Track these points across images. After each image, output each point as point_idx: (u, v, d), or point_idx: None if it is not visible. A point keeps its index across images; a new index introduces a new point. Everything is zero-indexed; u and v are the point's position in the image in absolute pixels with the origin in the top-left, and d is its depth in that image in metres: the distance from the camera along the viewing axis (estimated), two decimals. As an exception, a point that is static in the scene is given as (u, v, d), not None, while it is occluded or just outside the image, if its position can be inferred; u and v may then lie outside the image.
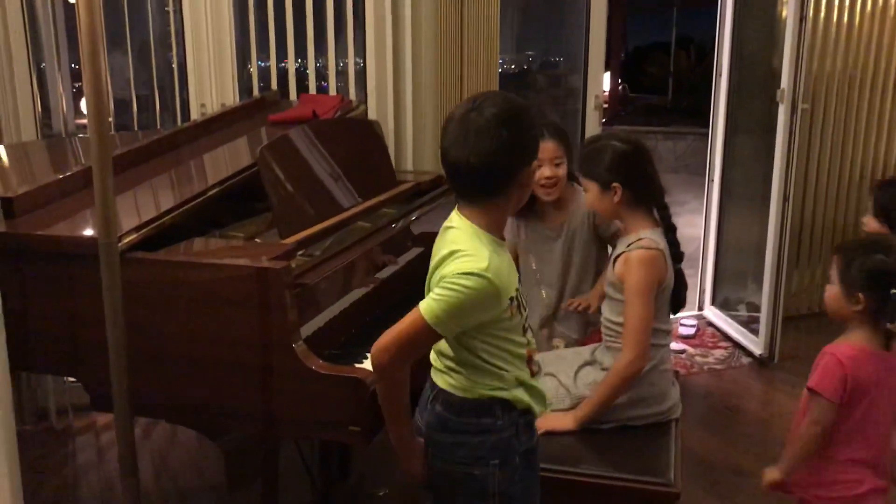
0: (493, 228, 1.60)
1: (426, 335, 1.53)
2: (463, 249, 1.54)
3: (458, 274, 1.50)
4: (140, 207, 2.13)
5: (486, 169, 1.53)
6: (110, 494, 2.83)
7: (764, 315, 3.99)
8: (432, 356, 1.71)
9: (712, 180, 4.62)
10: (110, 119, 3.80)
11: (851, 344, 1.96)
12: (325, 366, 1.80)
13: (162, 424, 3.34)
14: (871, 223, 2.67)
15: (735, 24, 4.43)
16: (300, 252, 2.08)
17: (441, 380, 1.67)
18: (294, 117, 2.80)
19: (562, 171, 2.54)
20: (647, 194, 2.15)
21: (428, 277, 1.61)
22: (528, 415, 1.68)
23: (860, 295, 1.93)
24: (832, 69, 4.42)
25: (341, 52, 3.85)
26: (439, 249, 1.60)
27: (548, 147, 2.48)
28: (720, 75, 4.48)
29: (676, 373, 2.57)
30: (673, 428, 2.22)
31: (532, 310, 2.59)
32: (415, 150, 3.74)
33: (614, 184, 2.11)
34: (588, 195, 2.19)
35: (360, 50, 3.78)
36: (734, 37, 4.44)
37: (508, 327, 1.61)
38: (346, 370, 1.81)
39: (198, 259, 1.94)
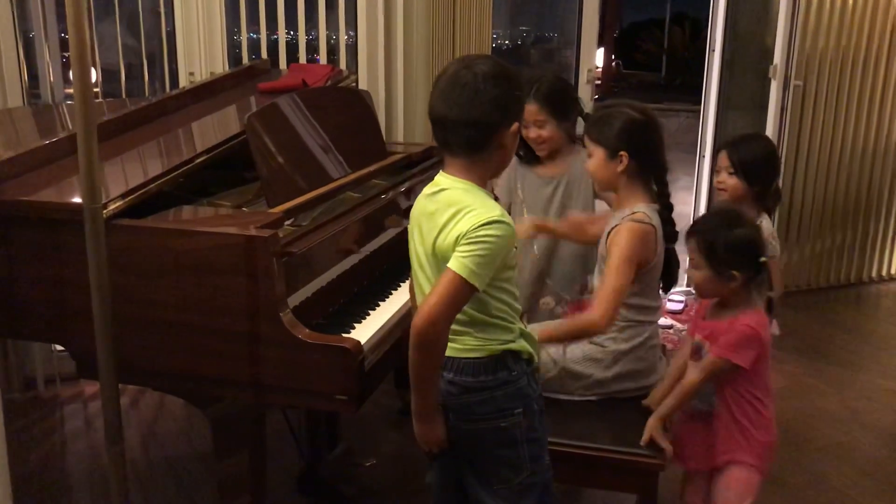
0: (481, 184, 1.64)
1: (465, 293, 1.56)
2: (468, 204, 1.58)
3: (480, 226, 1.54)
4: (127, 174, 2.11)
5: (466, 121, 1.57)
6: (97, 463, 2.84)
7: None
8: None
9: (703, 157, 4.61)
10: (97, 89, 3.78)
11: (756, 311, 1.99)
12: (311, 335, 1.80)
13: (150, 394, 3.35)
14: (728, 181, 2.64)
15: (729, 0, 4.41)
16: (288, 221, 2.07)
17: (449, 349, 1.68)
18: (284, 86, 2.77)
19: (546, 132, 2.54)
20: (651, 169, 2.14)
21: (430, 243, 1.63)
22: (532, 362, 1.74)
23: (733, 272, 1.94)
24: (825, 46, 4.41)
25: (332, 24, 3.82)
26: (436, 212, 1.62)
27: (529, 109, 2.47)
28: (713, 52, 4.46)
29: (664, 347, 2.59)
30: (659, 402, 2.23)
31: (522, 267, 2.60)
32: (405, 122, 3.72)
33: (622, 152, 2.09)
34: (591, 160, 2.16)
35: (352, 23, 3.75)
36: (728, 13, 4.41)
37: (510, 277, 1.67)
38: (333, 339, 1.81)
39: (185, 226, 1.93)
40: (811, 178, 4.62)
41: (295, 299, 1.96)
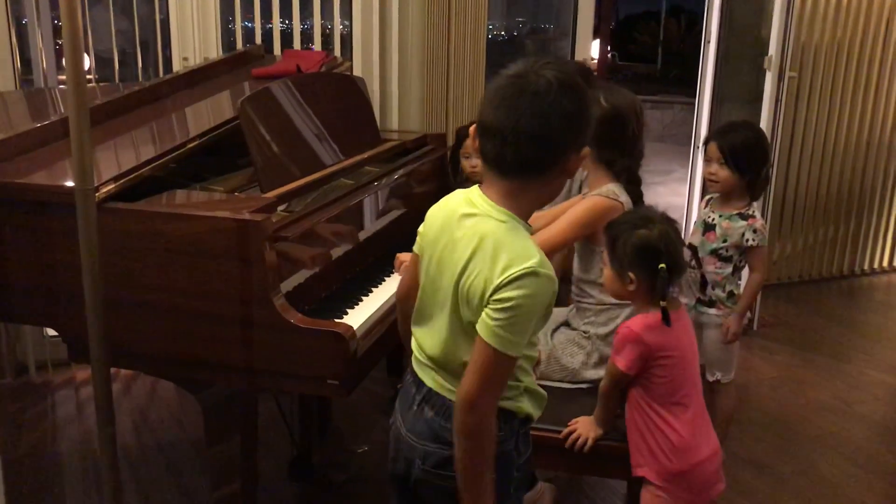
0: (524, 216, 1.39)
1: (505, 365, 1.35)
2: (502, 244, 1.34)
3: (514, 279, 1.30)
4: (119, 158, 2.10)
5: (535, 136, 1.31)
6: (89, 448, 2.83)
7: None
8: (415, 346, 1.55)
9: (697, 148, 4.61)
10: (91, 75, 3.76)
11: (645, 315, 1.88)
12: (304, 319, 1.80)
13: (141, 380, 3.35)
14: (720, 172, 2.65)
15: (725, -9, 4.40)
16: (281, 206, 2.07)
17: (432, 380, 1.49)
18: (278, 71, 2.76)
19: None
20: (615, 156, 2.13)
21: (453, 275, 1.39)
22: (527, 423, 1.53)
23: (630, 274, 1.85)
24: (820, 39, 4.42)
25: (327, 13, 3.80)
26: (461, 239, 1.38)
27: None
28: (708, 44, 4.45)
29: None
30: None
31: None
32: (400, 109, 3.71)
33: None
34: None
35: (347, 12, 3.74)
36: (723, 5, 4.40)
37: (538, 328, 1.44)
38: (324, 324, 1.81)
39: (178, 210, 1.92)
40: (805, 170, 4.63)
41: (288, 284, 1.95)
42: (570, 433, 2.00)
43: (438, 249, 1.44)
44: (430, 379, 1.50)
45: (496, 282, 1.32)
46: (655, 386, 1.86)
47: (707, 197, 2.82)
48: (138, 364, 2.10)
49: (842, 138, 4.68)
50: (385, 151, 2.68)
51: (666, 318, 1.81)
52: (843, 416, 3.25)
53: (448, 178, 3.01)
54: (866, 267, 5.03)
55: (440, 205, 1.49)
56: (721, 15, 4.38)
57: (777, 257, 4.66)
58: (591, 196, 2.10)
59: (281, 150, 2.21)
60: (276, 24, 3.72)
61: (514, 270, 1.31)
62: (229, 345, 1.87)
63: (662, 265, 1.79)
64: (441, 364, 1.48)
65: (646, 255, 1.82)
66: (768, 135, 3.79)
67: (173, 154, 2.11)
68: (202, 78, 2.79)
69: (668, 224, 1.85)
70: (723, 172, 2.64)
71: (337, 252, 2.22)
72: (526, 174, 1.36)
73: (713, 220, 2.69)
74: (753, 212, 2.68)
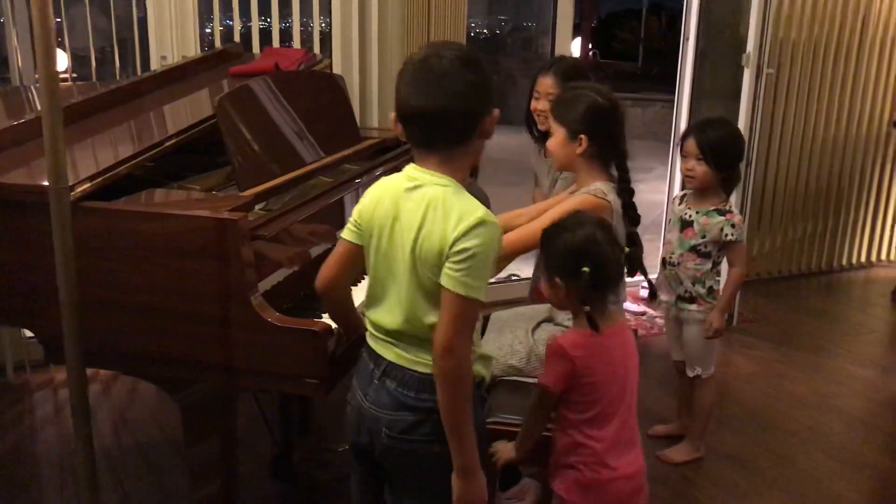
0: (459, 180, 1.53)
1: (472, 310, 1.47)
2: (449, 205, 1.47)
3: (467, 232, 1.44)
4: (96, 157, 2.09)
5: (452, 111, 1.46)
6: (67, 449, 2.81)
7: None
8: (371, 325, 1.64)
9: (677, 145, 4.63)
10: (67, 74, 3.73)
11: (574, 330, 1.85)
12: (281, 318, 1.79)
13: (121, 381, 3.33)
14: (698, 168, 2.67)
15: (703, -11, 4.43)
16: (259, 205, 2.06)
17: (392, 353, 1.59)
18: (256, 69, 2.75)
19: None
20: (610, 154, 2.15)
21: (408, 243, 1.50)
22: (481, 386, 1.65)
23: (556, 279, 1.80)
24: (797, 36, 4.46)
25: (306, 11, 3.79)
26: (413, 210, 1.50)
27: (545, 82, 2.58)
28: (687, 41, 4.48)
29: (635, 332, 2.62)
30: (628, 384, 2.25)
31: None
32: (380, 107, 3.71)
33: (581, 135, 2.10)
34: (552, 140, 2.18)
35: (326, 10, 3.73)
36: (702, 3, 4.43)
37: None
38: (302, 323, 1.80)
39: (154, 209, 1.91)
40: (783, 166, 4.67)
41: (266, 283, 1.95)
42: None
43: (388, 226, 1.54)
44: (389, 353, 1.59)
45: (452, 236, 1.45)
46: (576, 400, 1.81)
47: (680, 193, 2.84)
48: (116, 364, 2.08)
49: (819, 135, 4.72)
50: (365, 149, 2.68)
51: (592, 324, 1.75)
52: (821, 410, 3.28)
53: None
54: (844, 262, 5.07)
55: (380, 188, 1.59)
56: (699, 13, 4.41)
57: (756, 253, 4.69)
58: (580, 194, 2.11)
59: (259, 148, 2.20)
60: (256, 22, 3.70)
61: (467, 223, 1.45)
62: (207, 344, 1.86)
63: (585, 269, 1.74)
64: (402, 335, 1.57)
65: (569, 259, 1.77)
66: (746, 131, 3.83)
67: (150, 153, 2.09)
68: (180, 76, 2.78)
69: (599, 229, 1.79)
70: (700, 168, 2.66)
71: (316, 250, 2.21)
72: (452, 145, 1.51)
73: (690, 216, 2.71)
74: (730, 207, 2.71)
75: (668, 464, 2.83)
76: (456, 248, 1.45)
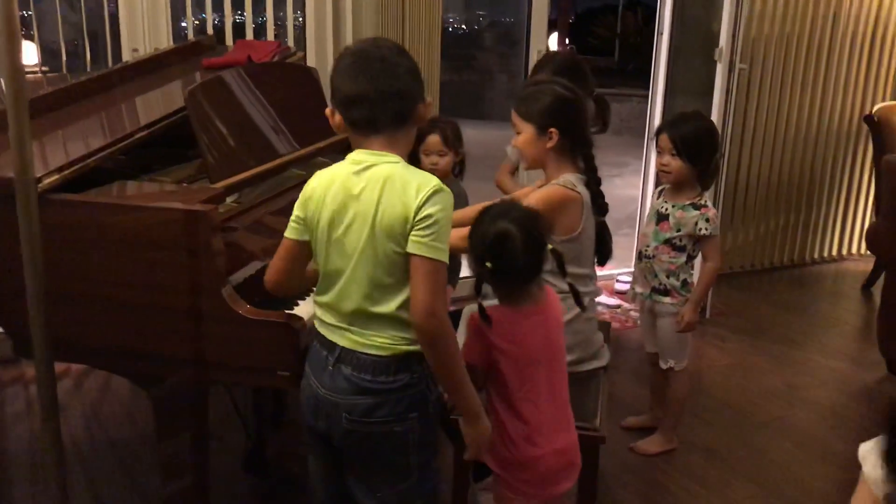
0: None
1: (444, 272, 1.55)
2: (405, 178, 1.54)
3: (426, 200, 1.51)
4: (65, 149, 2.07)
5: (393, 93, 1.55)
6: (38, 446, 2.78)
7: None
8: (322, 314, 1.65)
9: (652, 140, 4.66)
10: (37, 66, 3.68)
11: (494, 307, 1.82)
12: (252, 310, 1.79)
13: (94, 376, 3.29)
14: (672, 162, 2.69)
15: (677, -16, 4.46)
16: (231, 197, 2.05)
17: (346, 339, 1.61)
18: (229, 61, 2.73)
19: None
20: (579, 146, 2.16)
21: (368, 221, 1.53)
22: None
23: (486, 263, 1.75)
24: (770, 32, 4.50)
25: (280, 5, 3.77)
26: (365, 189, 1.54)
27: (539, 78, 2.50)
28: (661, 36, 4.50)
29: (607, 324, 2.63)
30: (600, 375, 2.27)
31: None
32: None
33: (552, 129, 2.11)
34: (520, 137, 2.18)
35: (300, 4, 3.71)
36: (676, -2, 4.46)
37: None
38: (274, 315, 1.80)
39: (123, 201, 1.91)
40: (755, 161, 4.71)
41: (239, 276, 1.94)
42: None
43: (340, 211, 1.56)
44: (342, 339, 1.61)
45: (415, 204, 1.51)
46: (497, 378, 1.81)
47: (660, 188, 2.86)
48: (87, 358, 2.08)
49: (791, 130, 4.77)
50: (338, 142, 2.66)
51: (483, 316, 1.74)
52: (791, 402, 3.32)
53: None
54: (816, 256, 5.13)
55: (325, 178, 1.60)
56: (673, 9, 4.44)
57: (729, 247, 4.73)
58: (549, 185, 2.12)
59: (231, 140, 2.19)
60: (229, 16, 3.68)
61: (426, 191, 1.52)
62: (179, 337, 1.85)
63: (487, 263, 1.73)
64: (356, 319, 1.59)
65: (478, 249, 1.77)
66: (719, 126, 3.85)
67: (120, 145, 2.08)
68: (152, 68, 2.75)
69: (519, 225, 1.74)
70: (674, 163, 2.67)
71: (289, 243, 2.20)
72: (393, 127, 1.58)
73: (666, 210, 2.73)
74: (705, 201, 2.73)
75: (641, 455, 2.85)
76: (420, 216, 1.51)
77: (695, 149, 2.66)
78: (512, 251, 1.73)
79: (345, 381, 1.61)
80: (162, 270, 1.81)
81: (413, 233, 1.52)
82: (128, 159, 2.21)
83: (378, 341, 1.59)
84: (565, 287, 2.07)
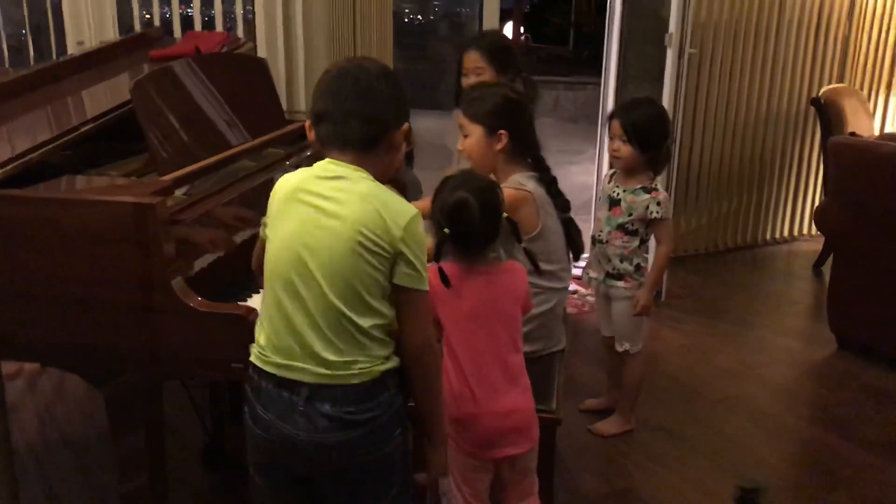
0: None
1: (429, 301, 1.59)
2: (390, 205, 1.50)
3: (410, 230, 1.49)
4: (9, 143, 2.03)
5: (362, 116, 1.52)
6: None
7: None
8: (273, 352, 1.54)
9: (605, 126, 4.70)
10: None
11: (451, 262, 1.88)
12: (204, 303, 1.78)
13: (48, 376, 3.25)
14: (623, 148, 2.74)
15: (627, -29, 4.50)
16: (181, 190, 2.03)
17: (311, 375, 1.50)
18: (178, 53, 2.69)
19: (485, 79, 2.59)
20: (527, 146, 2.17)
21: (339, 234, 1.48)
22: (401, 370, 1.61)
23: (445, 230, 1.83)
24: (718, 16, 4.55)
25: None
26: (335, 199, 1.49)
27: (471, 57, 2.58)
28: (612, 24, 4.54)
29: (566, 311, 2.66)
30: (557, 359, 2.29)
31: None
32: (307, 92, 3.68)
33: (501, 130, 2.12)
34: (468, 140, 2.18)
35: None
36: (626, -16, 4.50)
37: None
38: (226, 307, 1.78)
39: (70, 196, 1.88)
40: (707, 145, 4.78)
41: (189, 269, 1.92)
42: None
43: (308, 210, 1.51)
44: (307, 376, 1.50)
45: (399, 236, 1.48)
46: (449, 335, 1.86)
47: (610, 172, 2.89)
48: (37, 356, 2.04)
49: (742, 113, 4.84)
50: (289, 133, 2.65)
51: (443, 278, 1.79)
52: (746, 380, 3.39)
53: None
54: (768, 237, 5.22)
55: (290, 183, 1.57)
56: (624, -6, 4.48)
57: (683, 231, 4.80)
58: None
59: (179, 131, 2.16)
60: (176, 10, 3.63)
61: (406, 222, 1.49)
62: (130, 332, 1.83)
63: (446, 229, 1.82)
64: (318, 351, 1.49)
65: (437, 216, 1.85)
66: (670, 111, 3.90)
67: (66, 138, 2.05)
68: (98, 61, 2.70)
69: (477, 195, 1.82)
70: (625, 148, 2.70)
71: (241, 235, 2.18)
72: (360, 149, 1.54)
73: (618, 194, 2.76)
74: (656, 185, 2.76)
75: (599, 437, 2.89)
76: (404, 250, 1.49)
77: (645, 134, 2.69)
78: (469, 218, 1.80)
79: (326, 419, 1.50)
80: (111, 265, 1.79)
81: (401, 267, 1.50)
82: (74, 154, 2.18)
83: (352, 369, 1.50)
84: (543, 284, 2.11)
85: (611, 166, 2.93)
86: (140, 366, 1.86)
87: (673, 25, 3.83)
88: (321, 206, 1.50)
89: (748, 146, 4.94)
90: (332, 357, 1.49)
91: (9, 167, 1.85)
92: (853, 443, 2.89)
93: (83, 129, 2.10)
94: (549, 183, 2.20)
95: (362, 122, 1.52)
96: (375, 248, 1.48)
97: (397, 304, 1.54)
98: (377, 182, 1.54)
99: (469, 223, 1.81)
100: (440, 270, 1.79)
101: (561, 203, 2.22)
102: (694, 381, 3.36)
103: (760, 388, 3.32)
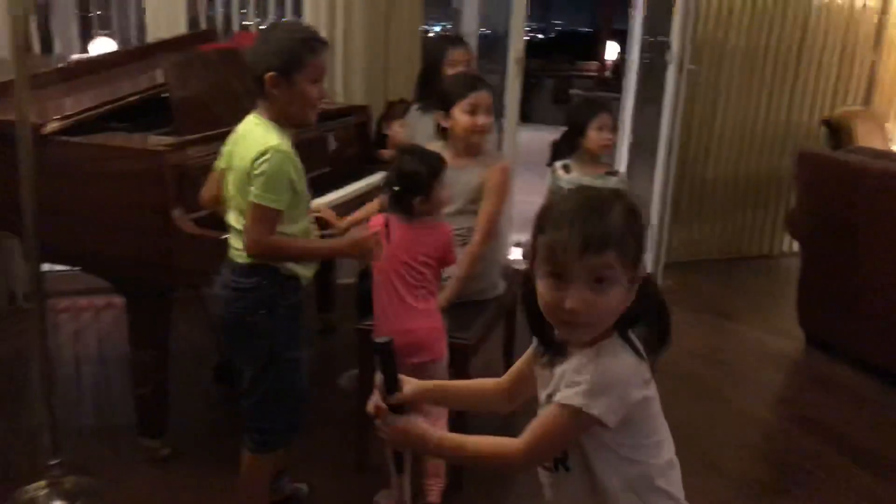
0: (275, 122, 2.02)
1: (270, 215, 1.97)
2: (252, 137, 1.99)
3: (260, 155, 1.93)
4: (68, 105, 2.67)
5: (250, 61, 2.02)
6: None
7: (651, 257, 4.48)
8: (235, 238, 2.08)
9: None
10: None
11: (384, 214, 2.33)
12: (194, 227, 2.35)
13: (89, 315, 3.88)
14: (615, 138, 3.06)
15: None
16: (195, 149, 2.57)
17: (230, 251, 2.09)
18: (217, 47, 3.25)
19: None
20: None
21: (234, 161, 2.01)
22: (293, 279, 2.11)
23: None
24: (736, 41, 4.90)
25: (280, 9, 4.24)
26: (236, 138, 2.03)
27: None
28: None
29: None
30: (490, 303, 2.75)
31: None
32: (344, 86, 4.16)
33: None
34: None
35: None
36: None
37: (297, 204, 2.04)
38: (209, 233, 2.31)
39: (107, 142, 2.50)
40: (700, 157, 5.06)
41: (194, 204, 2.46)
42: None
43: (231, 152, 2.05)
44: (230, 251, 2.11)
45: (249, 158, 1.95)
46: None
47: (560, 163, 3.05)
48: (80, 262, 2.70)
49: (736, 138, 5.14)
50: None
51: (387, 229, 2.27)
52: (708, 363, 3.70)
53: (370, 148, 3.57)
54: (785, 248, 5.47)
55: (239, 128, 2.07)
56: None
57: (698, 238, 5.15)
58: (499, 167, 2.67)
59: (202, 104, 2.71)
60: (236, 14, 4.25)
61: (258, 149, 1.95)
62: (142, 245, 2.43)
63: (396, 187, 2.29)
64: (232, 230, 2.07)
65: (390, 178, 2.31)
66: (669, 123, 4.25)
67: (112, 105, 2.68)
68: (157, 51, 3.30)
69: (422, 161, 2.30)
70: (614, 137, 3.09)
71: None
72: (258, 92, 2.03)
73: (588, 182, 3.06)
74: (617, 168, 3.10)
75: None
76: (254, 168, 1.95)
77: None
78: (417, 181, 2.27)
79: (222, 278, 2.12)
80: (132, 194, 2.41)
81: (252, 181, 1.95)
82: (118, 118, 2.77)
83: (238, 250, 2.07)
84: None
85: (595, 157, 3.15)
86: (149, 271, 2.44)
87: (674, 42, 4.19)
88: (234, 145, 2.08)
89: (764, 162, 5.22)
90: (232, 236, 2.09)
91: (66, 121, 2.48)
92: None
93: (130, 98, 2.73)
94: None
95: (251, 67, 2.03)
96: (241, 174, 2.00)
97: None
98: (262, 121, 2.01)
99: (414, 173, 2.28)
100: (386, 223, 2.29)
101: None
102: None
103: (720, 372, 3.61)
